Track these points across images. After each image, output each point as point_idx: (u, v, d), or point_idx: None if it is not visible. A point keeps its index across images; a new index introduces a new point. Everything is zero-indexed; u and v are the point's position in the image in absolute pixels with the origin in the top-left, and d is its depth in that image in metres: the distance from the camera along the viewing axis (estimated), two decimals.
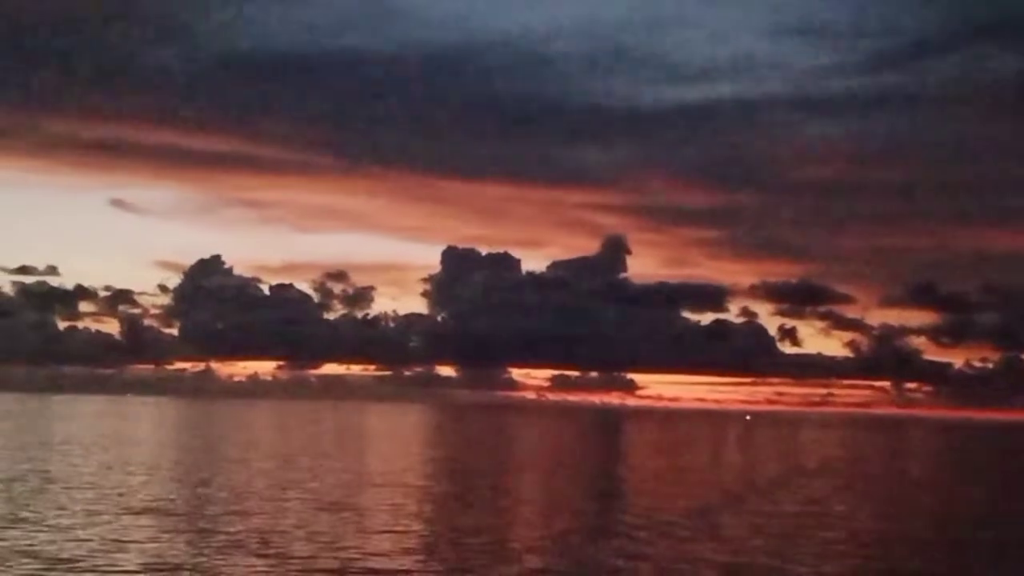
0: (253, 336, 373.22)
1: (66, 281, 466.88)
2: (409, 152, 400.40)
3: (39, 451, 65.94)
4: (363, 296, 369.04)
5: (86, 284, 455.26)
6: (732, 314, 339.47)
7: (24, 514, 33.28)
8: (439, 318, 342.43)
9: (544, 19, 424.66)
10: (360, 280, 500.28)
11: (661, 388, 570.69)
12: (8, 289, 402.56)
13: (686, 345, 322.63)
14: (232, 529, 31.34)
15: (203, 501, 38.81)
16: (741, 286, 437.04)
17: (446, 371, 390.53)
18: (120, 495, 40.02)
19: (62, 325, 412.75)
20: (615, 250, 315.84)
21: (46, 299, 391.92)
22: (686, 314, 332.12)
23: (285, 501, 39.47)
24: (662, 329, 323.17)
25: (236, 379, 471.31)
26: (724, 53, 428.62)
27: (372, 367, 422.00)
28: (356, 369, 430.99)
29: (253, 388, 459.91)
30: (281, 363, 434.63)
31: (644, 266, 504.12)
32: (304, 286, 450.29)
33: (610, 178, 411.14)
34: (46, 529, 30.46)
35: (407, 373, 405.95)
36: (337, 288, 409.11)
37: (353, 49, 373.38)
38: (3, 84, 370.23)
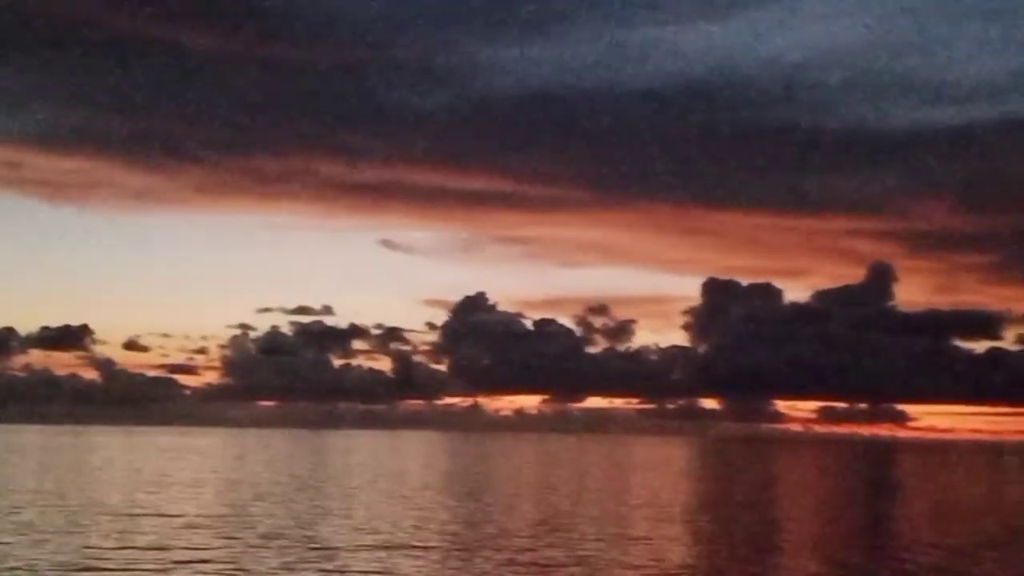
0: (518, 371, 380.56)
1: (340, 320, 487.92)
2: (667, 184, 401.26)
3: (327, 485, 70.12)
4: (624, 329, 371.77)
5: (359, 323, 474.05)
6: (1008, 341, 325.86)
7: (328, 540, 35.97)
8: (701, 350, 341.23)
9: (796, 47, 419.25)
10: (621, 313, 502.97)
11: (933, 419, 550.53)
12: (287, 329, 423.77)
13: (959, 374, 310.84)
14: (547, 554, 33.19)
15: (504, 530, 40.88)
16: (1016, 312, 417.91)
17: (709, 404, 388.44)
18: (416, 527, 42.60)
19: (337, 363, 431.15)
20: (881, 278, 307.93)
21: (322, 338, 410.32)
22: (957, 342, 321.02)
23: (569, 531, 41.14)
24: (933, 358, 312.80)
25: (503, 413, 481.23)
26: (979, 73, 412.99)
27: (635, 400, 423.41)
28: (619, 402, 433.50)
29: (519, 422, 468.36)
30: (545, 397, 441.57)
31: (912, 293, 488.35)
32: (566, 320, 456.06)
33: (872, 204, 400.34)
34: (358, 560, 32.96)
35: (670, 406, 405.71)
36: (598, 322, 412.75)
37: (609, 84, 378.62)
38: (282, 131, 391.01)
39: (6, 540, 35.53)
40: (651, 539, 40.35)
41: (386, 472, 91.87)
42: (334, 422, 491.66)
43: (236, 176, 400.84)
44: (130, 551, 33.12)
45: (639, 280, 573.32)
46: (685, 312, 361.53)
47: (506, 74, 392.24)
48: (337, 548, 34.86)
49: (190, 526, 41.00)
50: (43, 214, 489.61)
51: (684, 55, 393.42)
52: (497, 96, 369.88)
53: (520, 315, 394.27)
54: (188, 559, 31.82)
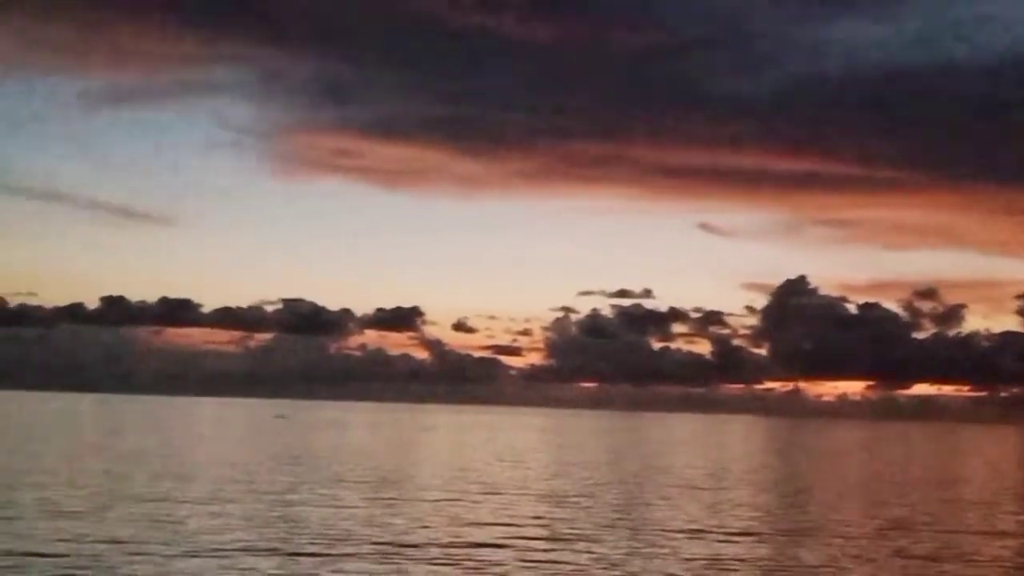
0: (841, 356, 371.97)
1: (660, 304, 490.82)
2: (1001, 165, 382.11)
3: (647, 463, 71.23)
4: (954, 314, 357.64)
5: (678, 306, 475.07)
6: None
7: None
8: None
9: None
10: (951, 298, 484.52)
11: None
12: (608, 312, 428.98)
13: None
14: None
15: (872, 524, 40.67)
16: None
17: None
18: (768, 513, 42.87)
19: (656, 346, 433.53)
20: None
21: (642, 321, 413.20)
22: None
23: (933, 525, 40.43)
24: None
25: (824, 399, 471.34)
26: None
27: (965, 388, 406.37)
28: (948, 390, 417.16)
29: (841, 408, 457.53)
30: (870, 383, 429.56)
31: None
32: (892, 305, 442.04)
33: None
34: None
35: (1003, 394, 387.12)
36: (926, 306, 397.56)
37: (943, 62, 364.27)
38: (602, 116, 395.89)
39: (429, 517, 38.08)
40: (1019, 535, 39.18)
41: (736, 458, 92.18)
42: (652, 404, 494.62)
43: (557, 162, 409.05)
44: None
45: (970, 263, 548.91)
46: (1019, 297, 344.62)
47: (832, 54, 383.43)
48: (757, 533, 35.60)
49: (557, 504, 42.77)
50: (379, 201, 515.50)
51: (1020, 31, 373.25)
52: (821, 77, 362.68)
53: (843, 299, 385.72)
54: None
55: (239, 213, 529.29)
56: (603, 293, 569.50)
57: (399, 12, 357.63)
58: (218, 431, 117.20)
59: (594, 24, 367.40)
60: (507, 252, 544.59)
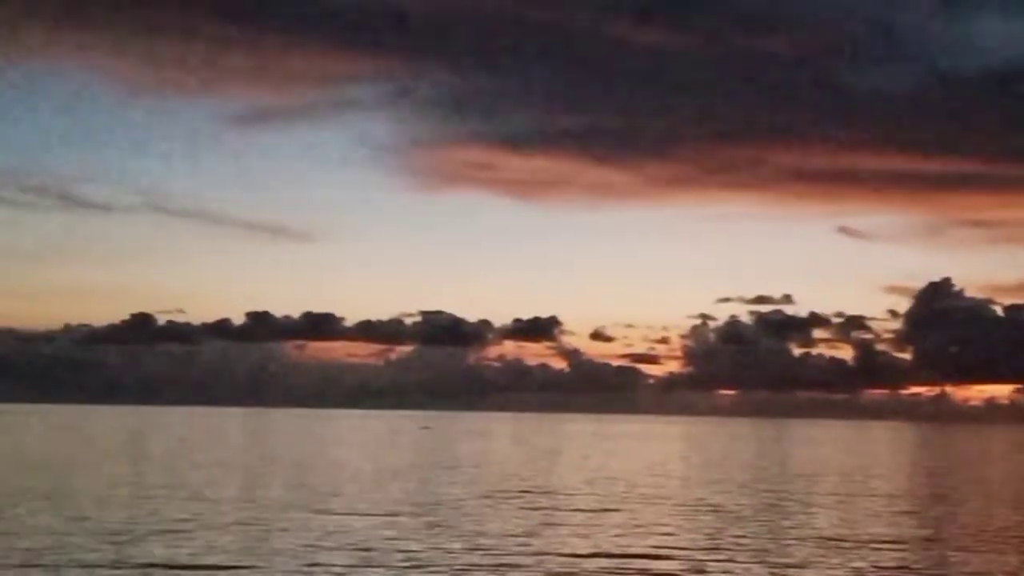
0: (988, 359, 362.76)
1: (800, 309, 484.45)
2: None
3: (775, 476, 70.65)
4: None
5: (819, 311, 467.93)
6: None
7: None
8: None
9: None
10: None
11: None
12: (746, 318, 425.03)
13: None
14: None
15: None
16: None
17: None
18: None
19: (797, 352, 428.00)
20: None
21: (782, 327, 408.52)
22: None
23: None
24: None
25: (971, 403, 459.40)
26: None
27: None
28: None
29: (989, 413, 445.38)
30: (1019, 387, 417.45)
31: None
32: None
33: None
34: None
35: None
36: None
37: None
38: (734, 121, 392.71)
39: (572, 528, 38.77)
40: None
41: (891, 466, 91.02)
42: (793, 411, 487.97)
43: (693, 168, 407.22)
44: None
45: None
46: None
47: (968, 53, 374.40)
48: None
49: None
50: (515, 211, 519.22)
51: None
52: (961, 75, 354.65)
53: (990, 301, 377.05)
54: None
55: (379, 227, 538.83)
56: (741, 299, 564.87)
57: (529, 23, 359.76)
58: (370, 442, 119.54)
59: (728, 28, 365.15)
60: (644, 260, 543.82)
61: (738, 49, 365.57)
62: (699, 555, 31.81)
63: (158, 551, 29.94)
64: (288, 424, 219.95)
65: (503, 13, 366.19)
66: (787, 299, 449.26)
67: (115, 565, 27.57)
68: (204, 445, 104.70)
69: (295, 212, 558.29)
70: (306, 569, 27.62)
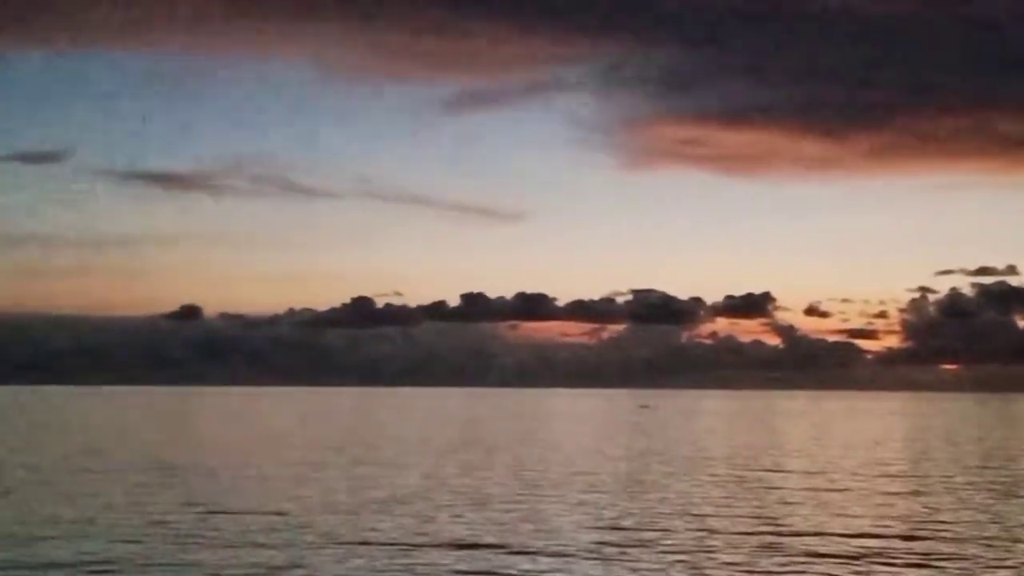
0: None
1: None
2: None
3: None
4: None
5: None
6: None
7: None
8: None
9: None
10: None
11: None
12: (968, 291, 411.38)
13: None
14: None
15: None
16: None
17: None
18: None
19: (1022, 324, 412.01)
20: None
21: (1006, 299, 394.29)
22: None
23: None
24: None
25: None
26: None
27: None
28: None
29: None
30: None
31: None
32: None
33: None
34: None
35: None
36: None
37: None
38: (955, 89, 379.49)
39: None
40: None
41: None
42: (1019, 385, 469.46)
43: (912, 138, 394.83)
44: None
45: None
46: None
47: None
48: None
49: None
50: (726, 187, 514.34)
51: None
52: None
53: None
54: None
55: (589, 207, 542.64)
56: (963, 271, 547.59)
57: None
58: (599, 421, 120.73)
59: None
60: (860, 233, 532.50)
61: (956, 14, 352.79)
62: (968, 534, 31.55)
63: (458, 531, 31.05)
64: (509, 403, 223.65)
65: None
66: (1011, 270, 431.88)
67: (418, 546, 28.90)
68: (447, 425, 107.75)
69: (507, 194, 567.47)
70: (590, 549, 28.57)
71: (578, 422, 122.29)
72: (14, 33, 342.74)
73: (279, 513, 34.08)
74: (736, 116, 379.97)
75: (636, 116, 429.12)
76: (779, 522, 33.34)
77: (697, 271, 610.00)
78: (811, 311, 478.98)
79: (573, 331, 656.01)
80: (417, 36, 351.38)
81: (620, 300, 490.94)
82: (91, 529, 30.81)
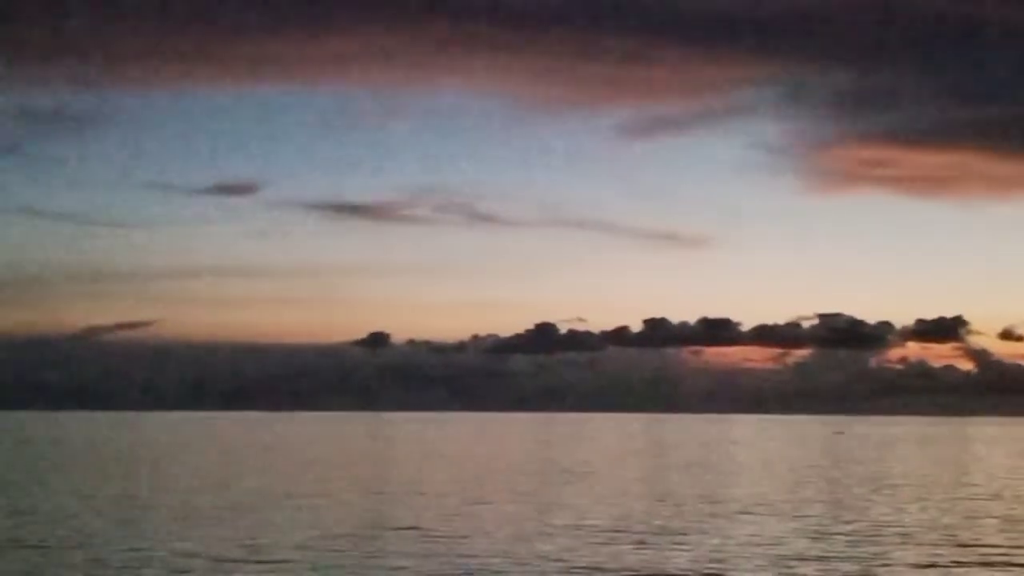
0: None
1: None
2: None
3: None
4: None
5: None
6: None
7: None
8: None
9: None
10: None
11: None
12: None
13: None
14: None
15: None
16: None
17: None
18: None
19: None
20: None
21: None
22: None
23: None
24: None
25: None
26: None
27: None
28: None
29: None
30: None
31: None
32: None
33: None
34: None
35: None
36: None
37: None
38: None
39: None
40: None
41: None
42: None
43: None
44: None
45: None
46: None
47: None
48: None
49: None
50: (916, 209, 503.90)
51: None
52: None
53: None
54: None
55: (774, 231, 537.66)
56: None
57: (922, 14, 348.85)
58: (795, 450, 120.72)
59: None
60: None
61: None
62: None
63: (676, 556, 32.21)
64: (697, 429, 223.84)
65: (895, 4, 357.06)
66: None
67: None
68: (652, 449, 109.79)
69: (688, 219, 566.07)
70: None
71: (781, 448, 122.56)
72: (211, 70, 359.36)
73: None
74: (927, 136, 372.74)
75: (821, 138, 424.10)
76: None
77: (885, 294, 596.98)
78: (1006, 335, 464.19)
79: (757, 356, 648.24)
80: (601, 64, 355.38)
81: (806, 324, 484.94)
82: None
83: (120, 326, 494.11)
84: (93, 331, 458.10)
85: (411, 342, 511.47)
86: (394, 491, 55.24)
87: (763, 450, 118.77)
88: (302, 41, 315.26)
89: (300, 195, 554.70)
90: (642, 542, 34.93)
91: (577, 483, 61.56)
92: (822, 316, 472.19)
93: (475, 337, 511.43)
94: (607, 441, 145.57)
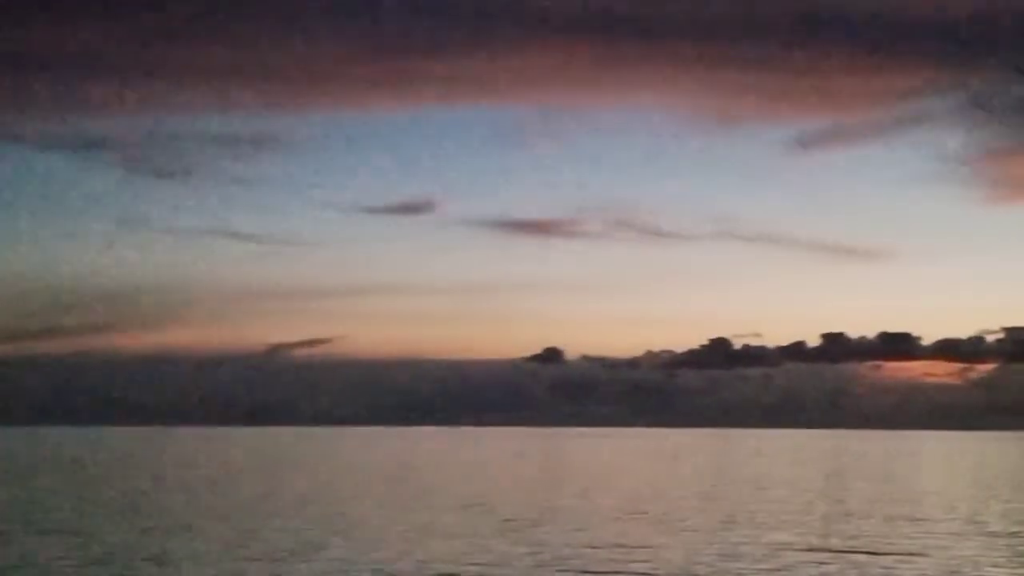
0: None
1: None
2: None
3: None
4: None
5: None
6: None
7: None
8: None
9: None
10: None
11: None
12: None
13: None
14: None
15: None
16: None
17: None
18: None
19: None
20: None
21: None
22: None
23: None
24: None
25: None
26: None
27: None
28: None
29: None
30: None
31: None
32: None
33: None
34: None
35: None
36: None
37: None
38: None
39: None
40: None
41: None
42: None
43: None
44: None
45: None
46: None
47: None
48: None
49: None
50: None
51: None
52: None
53: None
54: None
55: (955, 242, 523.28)
56: None
57: None
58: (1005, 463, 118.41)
59: None
60: None
61: None
62: None
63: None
64: (884, 446, 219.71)
65: None
66: None
67: None
68: (850, 468, 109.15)
69: (864, 232, 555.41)
70: None
71: (996, 465, 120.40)
72: (391, 92, 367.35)
73: None
74: None
75: (1002, 147, 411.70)
76: None
77: None
78: None
79: (939, 371, 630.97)
80: (774, 75, 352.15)
81: (990, 339, 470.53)
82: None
83: (303, 343, 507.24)
84: (277, 348, 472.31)
85: (585, 358, 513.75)
86: (650, 510, 56.55)
87: (985, 467, 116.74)
88: (477, 61, 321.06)
89: (474, 213, 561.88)
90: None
91: (788, 501, 61.91)
92: (1008, 330, 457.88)
93: (649, 353, 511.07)
94: (807, 455, 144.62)
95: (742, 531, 42.15)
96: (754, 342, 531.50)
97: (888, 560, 34.13)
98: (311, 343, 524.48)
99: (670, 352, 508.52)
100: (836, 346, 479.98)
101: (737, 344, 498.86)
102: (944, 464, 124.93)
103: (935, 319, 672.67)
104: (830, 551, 36.05)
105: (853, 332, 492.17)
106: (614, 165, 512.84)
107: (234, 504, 54.53)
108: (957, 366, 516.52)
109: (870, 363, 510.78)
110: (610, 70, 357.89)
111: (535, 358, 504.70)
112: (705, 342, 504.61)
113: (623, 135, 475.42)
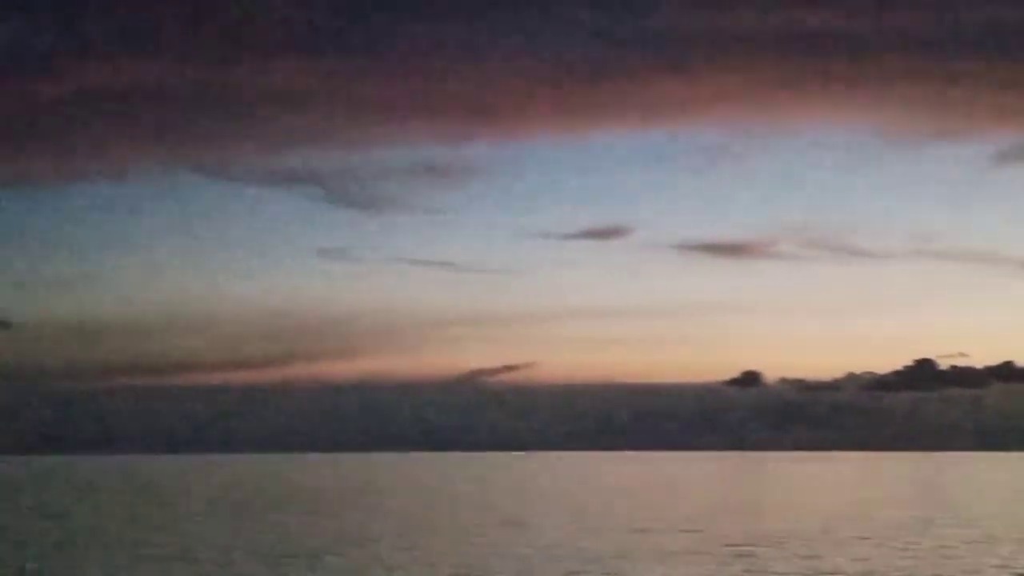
0: None
1: None
2: None
3: None
4: None
5: None
6: None
7: None
8: None
9: None
10: None
11: None
12: None
13: None
14: None
15: None
16: None
17: None
18: None
19: None
20: None
21: None
22: None
23: None
24: None
25: None
26: None
27: None
28: None
29: None
30: None
31: None
32: None
33: None
34: None
35: None
36: None
37: None
38: None
39: None
40: None
41: None
42: None
43: None
44: None
45: None
46: None
47: None
48: None
49: None
50: None
51: None
52: None
53: None
54: None
55: None
56: None
57: None
58: None
59: None
60: None
61: None
62: None
63: None
64: None
65: None
66: None
67: None
68: None
69: None
70: None
71: None
72: (581, 118, 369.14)
73: None
74: None
75: None
76: None
77: None
78: None
79: None
80: (971, 90, 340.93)
81: None
82: None
83: (500, 369, 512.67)
84: (477, 373, 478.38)
85: (784, 380, 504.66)
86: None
87: None
88: (668, 84, 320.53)
89: (669, 236, 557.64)
90: None
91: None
92: None
93: (850, 374, 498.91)
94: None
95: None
96: (960, 362, 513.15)
97: None
98: (508, 368, 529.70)
99: (872, 374, 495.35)
100: None
101: (942, 364, 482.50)
102: None
103: None
104: None
105: None
106: (810, 185, 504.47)
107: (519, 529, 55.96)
108: None
109: None
110: (804, 91, 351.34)
111: (733, 381, 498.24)
112: (909, 363, 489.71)
113: (819, 155, 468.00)
